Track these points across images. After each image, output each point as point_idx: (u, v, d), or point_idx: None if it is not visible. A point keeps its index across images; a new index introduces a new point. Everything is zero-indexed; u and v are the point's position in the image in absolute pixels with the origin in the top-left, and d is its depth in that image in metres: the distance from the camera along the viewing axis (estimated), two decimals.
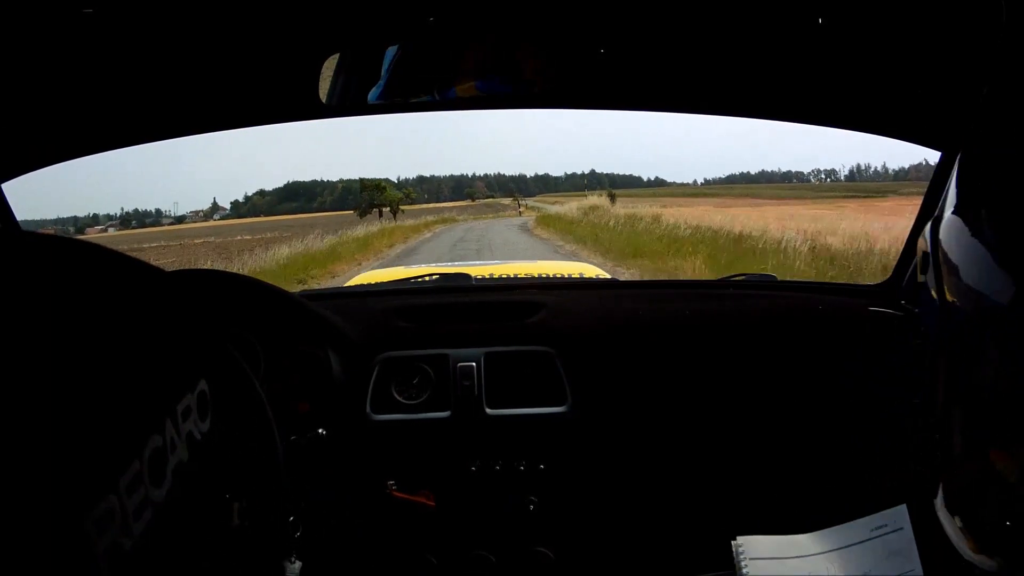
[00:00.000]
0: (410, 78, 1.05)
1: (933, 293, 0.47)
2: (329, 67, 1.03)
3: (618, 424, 1.22)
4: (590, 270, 2.53)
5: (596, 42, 1.02)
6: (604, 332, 1.26)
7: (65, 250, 0.37)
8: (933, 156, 1.11)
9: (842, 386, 1.20)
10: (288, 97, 1.09)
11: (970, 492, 0.41)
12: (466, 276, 1.65)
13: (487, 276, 2.08)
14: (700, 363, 1.22)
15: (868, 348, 1.20)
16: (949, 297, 0.44)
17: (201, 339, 0.44)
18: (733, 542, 0.72)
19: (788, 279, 1.67)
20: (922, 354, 1.14)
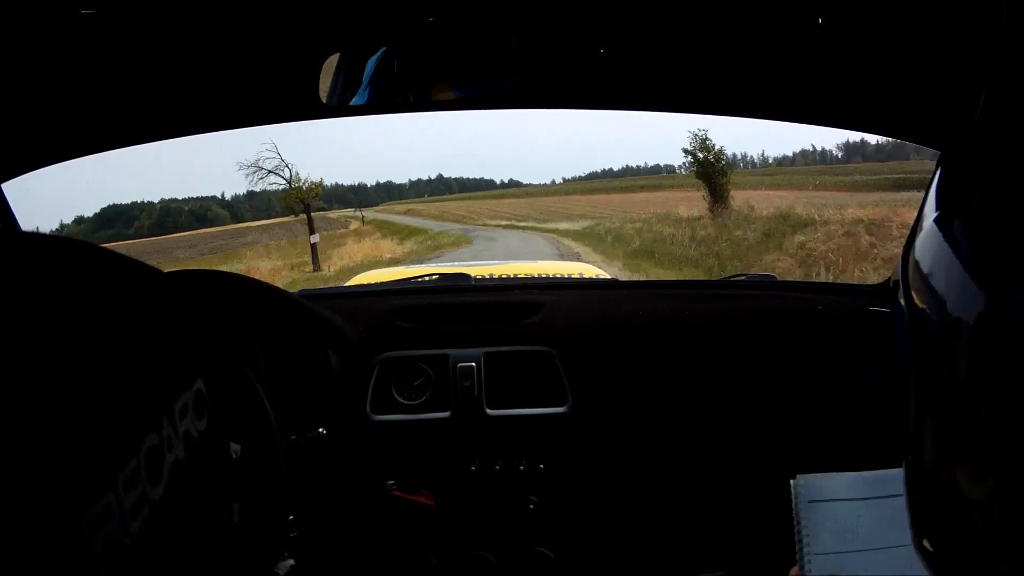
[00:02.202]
0: (410, 77, 1.05)
1: (902, 301, 0.46)
2: (329, 67, 1.03)
3: (618, 424, 1.22)
4: (590, 270, 2.53)
5: (596, 42, 1.02)
6: (604, 332, 1.26)
7: (63, 249, 0.37)
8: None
9: (842, 386, 1.20)
10: (288, 97, 1.09)
11: (936, 516, 0.40)
12: (466, 276, 1.65)
13: (487, 276, 2.08)
14: (700, 363, 1.22)
15: (868, 348, 1.20)
16: (920, 305, 0.43)
17: (199, 338, 0.44)
18: (792, 481, 0.65)
19: (788, 279, 1.68)
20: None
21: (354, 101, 1.08)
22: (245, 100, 1.12)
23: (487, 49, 1.04)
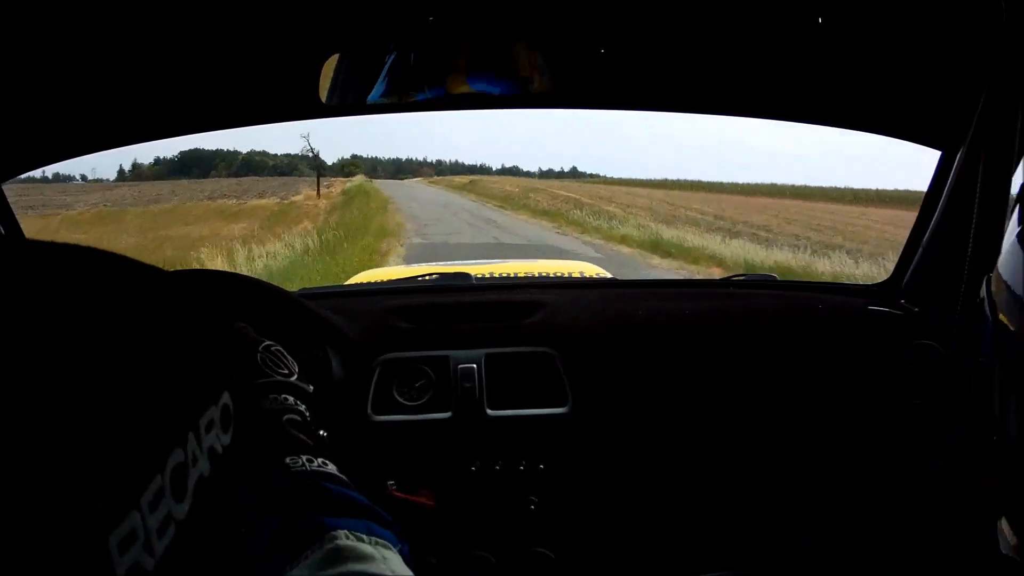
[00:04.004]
0: (410, 77, 1.05)
1: (988, 313, 0.49)
2: (329, 67, 1.03)
3: (619, 425, 1.22)
4: (590, 269, 2.52)
5: (596, 42, 1.02)
6: (604, 332, 1.26)
7: (86, 260, 0.36)
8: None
9: (842, 386, 1.20)
10: (288, 97, 1.09)
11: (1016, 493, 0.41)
12: (466, 275, 1.65)
13: (487, 275, 2.07)
14: (700, 363, 1.22)
15: (868, 348, 1.20)
16: (1002, 319, 0.45)
17: (228, 350, 0.43)
18: None
19: (788, 279, 1.67)
20: (928, 354, 1.14)
21: (353, 101, 1.08)
22: (245, 100, 1.12)
23: (486, 49, 1.04)
